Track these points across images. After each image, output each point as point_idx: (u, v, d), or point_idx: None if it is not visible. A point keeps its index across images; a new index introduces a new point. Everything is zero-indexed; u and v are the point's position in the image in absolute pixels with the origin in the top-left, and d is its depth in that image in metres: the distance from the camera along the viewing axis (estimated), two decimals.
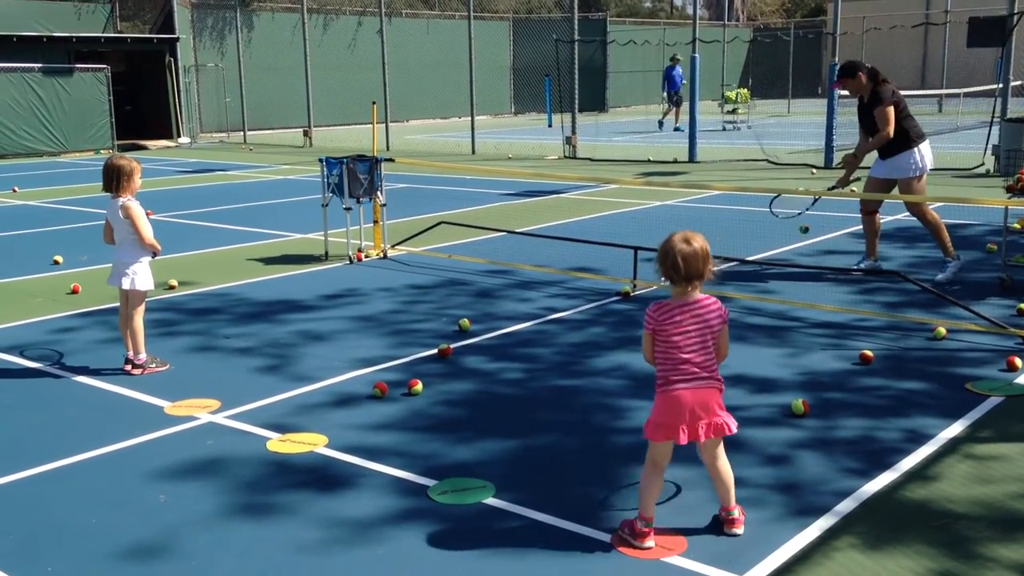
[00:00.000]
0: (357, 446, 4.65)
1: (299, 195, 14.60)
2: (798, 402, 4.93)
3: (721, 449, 3.70)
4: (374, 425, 4.94)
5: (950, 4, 28.58)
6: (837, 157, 15.60)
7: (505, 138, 24.83)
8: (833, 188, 8.24)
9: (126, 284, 5.86)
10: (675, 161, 17.89)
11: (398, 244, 9.71)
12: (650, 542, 3.58)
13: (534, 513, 3.90)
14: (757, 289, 7.72)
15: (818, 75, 39.90)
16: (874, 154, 8.01)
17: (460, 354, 6.14)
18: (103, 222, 6.05)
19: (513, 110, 38.30)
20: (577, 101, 19.74)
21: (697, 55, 17.87)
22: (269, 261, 9.45)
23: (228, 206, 13.70)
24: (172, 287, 8.19)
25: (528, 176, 15.19)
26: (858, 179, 8.62)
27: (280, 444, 4.70)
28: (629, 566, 3.50)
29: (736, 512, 3.70)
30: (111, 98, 23.89)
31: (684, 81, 26.52)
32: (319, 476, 4.33)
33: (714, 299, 3.64)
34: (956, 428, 4.71)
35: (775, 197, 8.98)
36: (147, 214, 6.06)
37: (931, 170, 7.92)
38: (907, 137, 7.68)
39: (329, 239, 9.65)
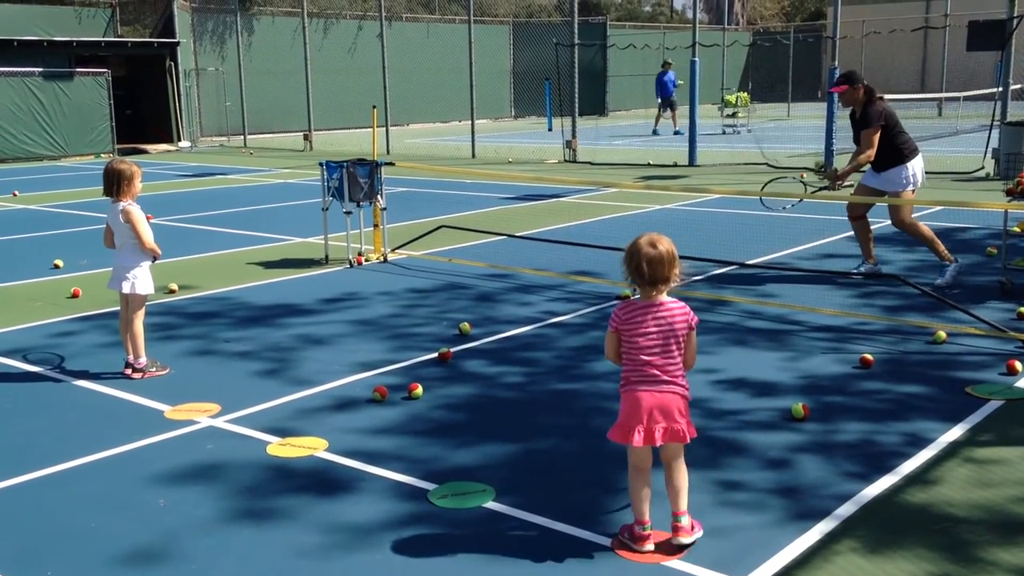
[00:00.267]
0: (357, 450, 4.65)
1: (299, 199, 14.61)
2: (798, 406, 4.93)
3: (681, 455, 3.64)
4: (374, 429, 4.93)
5: (950, 8, 28.59)
6: (837, 160, 15.60)
7: (505, 142, 24.85)
8: (822, 189, 8.32)
9: (126, 288, 5.86)
10: (675, 165, 17.90)
11: (398, 248, 9.71)
12: (649, 545, 3.57)
13: (534, 517, 3.90)
14: (757, 293, 7.72)
15: (818, 79, 39.94)
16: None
17: (460, 358, 6.14)
18: (103, 226, 6.06)
19: (513, 114, 38.33)
20: (577, 105, 19.75)
21: (697, 59, 17.88)
22: (269, 265, 9.45)
23: (228, 210, 13.70)
24: (172, 291, 8.20)
25: (528, 180, 15.20)
26: (850, 185, 8.64)
27: (280, 448, 4.70)
28: (629, 570, 3.49)
29: (684, 520, 3.59)
30: (111, 102, 23.91)
31: (678, 84, 26.62)
32: (319, 480, 4.33)
33: (681, 304, 3.61)
34: (956, 432, 4.71)
35: (767, 183, 8.98)
36: (147, 218, 6.06)
37: (932, 174, 7.94)
38: (900, 153, 7.72)
39: (329, 243, 9.65)
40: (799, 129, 24.96)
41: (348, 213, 9.24)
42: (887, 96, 8.08)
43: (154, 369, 5.93)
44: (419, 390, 5.40)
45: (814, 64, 41.16)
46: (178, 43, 26.31)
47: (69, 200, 15.10)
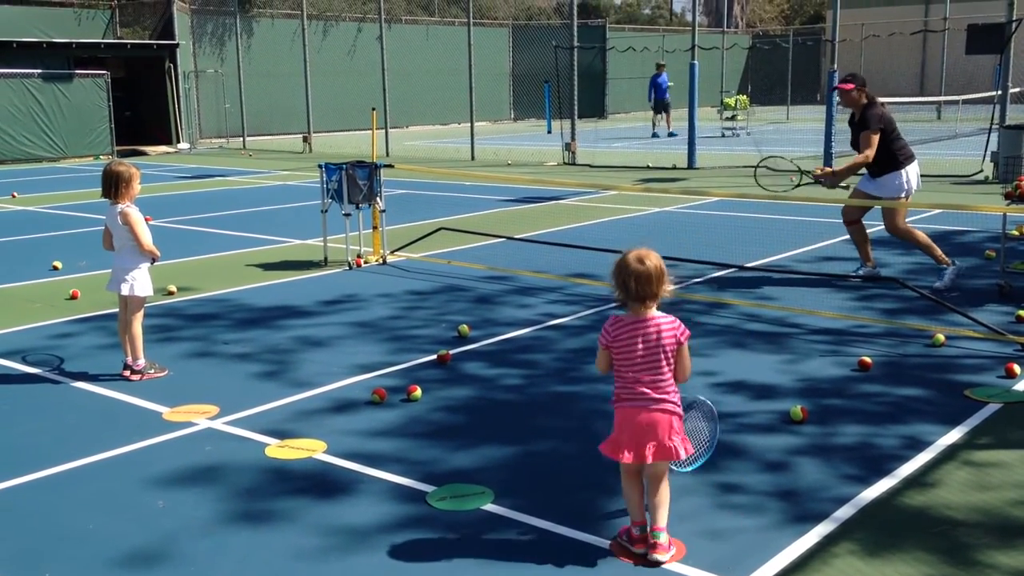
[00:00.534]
0: (356, 452, 4.65)
1: (298, 201, 14.61)
2: (797, 408, 4.93)
3: (666, 473, 3.62)
4: (373, 431, 4.93)
5: (949, 11, 28.63)
6: (835, 164, 15.60)
7: (504, 144, 24.86)
8: (817, 182, 8.34)
9: (125, 290, 5.86)
10: (674, 167, 17.91)
11: (397, 250, 9.71)
12: (645, 548, 3.56)
13: (533, 519, 3.90)
14: (756, 295, 7.73)
15: (817, 82, 39.98)
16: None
17: (459, 360, 6.14)
18: (102, 228, 6.06)
19: (512, 116, 38.35)
20: (576, 107, 19.77)
21: (696, 62, 17.89)
22: (268, 267, 9.45)
23: (227, 212, 13.70)
24: (171, 293, 8.19)
25: (527, 182, 15.20)
26: (845, 187, 8.66)
27: (278, 450, 4.70)
28: (627, 572, 3.49)
29: (662, 538, 3.52)
30: (111, 104, 23.91)
31: (670, 85, 26.71)
32: (317, 482, 4.33)
33: (671, 319, 3.57)
34: (955, 435, 4.71)
35: (761, 162, 8.97)
36: (146, 220, 6.06)
37: (930, 177, 7.96)
38: (895, 159, 7.73)
39: (328, 245, 9.65)
40: (798, 132, 24.97)
41: (347, 215, 9.24)
42: (886, 99, 8.10)
43: (153, 371, 5.93)
44: (418, 392, 5.40)
45: (813, 67, 41.21)
46: (177, 45, 26.32)
47: (68, 202, 15.10)
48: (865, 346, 6.25)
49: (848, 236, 8.39)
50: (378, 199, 9.39)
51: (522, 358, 6.18)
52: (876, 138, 7.65)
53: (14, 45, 23.11)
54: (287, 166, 20.69)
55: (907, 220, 7.93)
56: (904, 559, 3.52)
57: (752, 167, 15.54)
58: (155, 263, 6.04)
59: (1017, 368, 5.58)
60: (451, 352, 6.20)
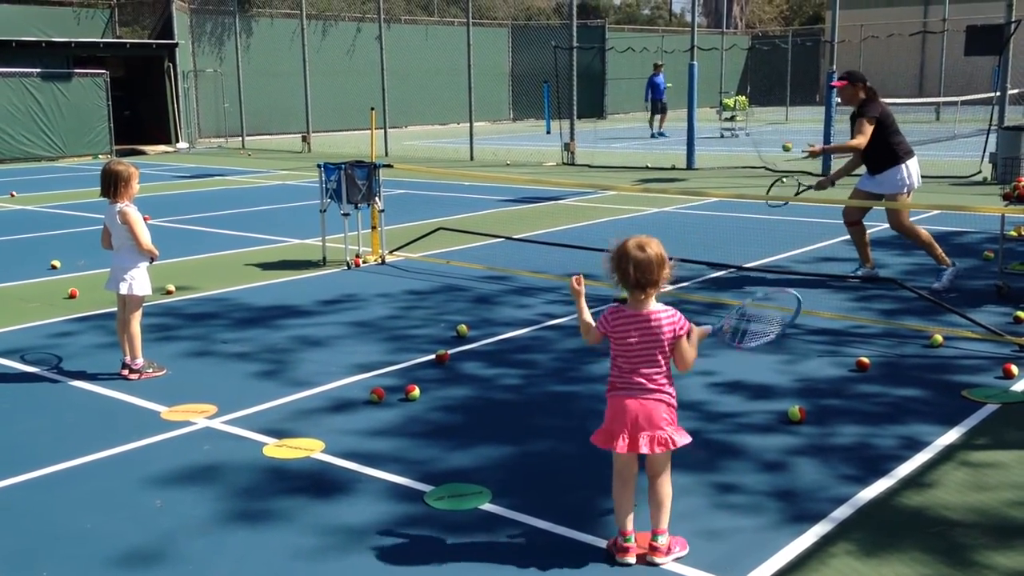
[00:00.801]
0: (354, 452, 4.65)
1: (297, 200, 14.61)
2: (795, 409, 4.94)
3: (666, 468, 3.59)
4: (371, 431, 4.94)
5: (948, 12, 28.65)
6: (834, 165, 15.62)
7: (503, 144, 24.86)
8: (815, 186, 8.39)
9: (124, 289, 5.86)
10: (673, 168, 17.92)
11: (396, 250, 9.71)
12: (630, 558, 3.53)
13: (530, 519, 3.90)
14: (754, 296, 7.71)
15: (816, 83, 40.00)
16: (863, 166, 8.06)
17: (457, 360, 6.14)
18: (101, 227, 6.06)
19: (511, 116, 38.35)
20: (575, 108, 19.77)
21: (695, 62, 17.90)
22: (267, 266, 9.45)
23: (226, 211, 13.70)
24: (170, 292, 8.19)
25: (526, 182, 15.21)
26: (845, 186, 8.67)
27: (276, 449, 4.70)
28: (626, 572, 3.49)
29: (663, 540, 3.51)
30: (110, 103, 23.91)
31: (667, 85, 26.78)
32: (315, 482, 4.33)
33: (671, 312, 3.54)
34: (952, 435, 4.72)
35: (772, 185, 9.03)
36: (145, 219, 6.06)
37: (929, 178, 7.97)
38: (894, 153, 7.73)
39: (327, 245, 9.65)
40: (797, 133, 24.97)
41: (346, 215, 9.24)
42: (884, 100, 8.10)
43: (151, 370, 5.93)
44: (416, 392, 5.40)
45: (812, 68, 41.23)
46: (176, 44, 26.32)
47: (67, 201, 15.09)
48: (863, 346, 6.25)
49: (847, 237, 8.39)
50: (377, 199, 9.39)
51: (520, 358, 6.18)
52: (870, 127, 7.63)
53: (13, 44, 23.11)
54: (286, 166, 20.69)
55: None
56: (901, 559, 3.53)
57: (750, 167, 15.56)
58: (154, 262, 6.04)
59: (1015, 369, 5.58)
60: (449, 352, 6.20)
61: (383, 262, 9.42)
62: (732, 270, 8.46)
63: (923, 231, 7.84)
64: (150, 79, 26.41)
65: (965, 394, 5.30)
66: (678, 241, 10.03)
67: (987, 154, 15.10)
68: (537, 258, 9.28)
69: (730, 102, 27.76)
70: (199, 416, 5.19)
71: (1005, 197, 7.63)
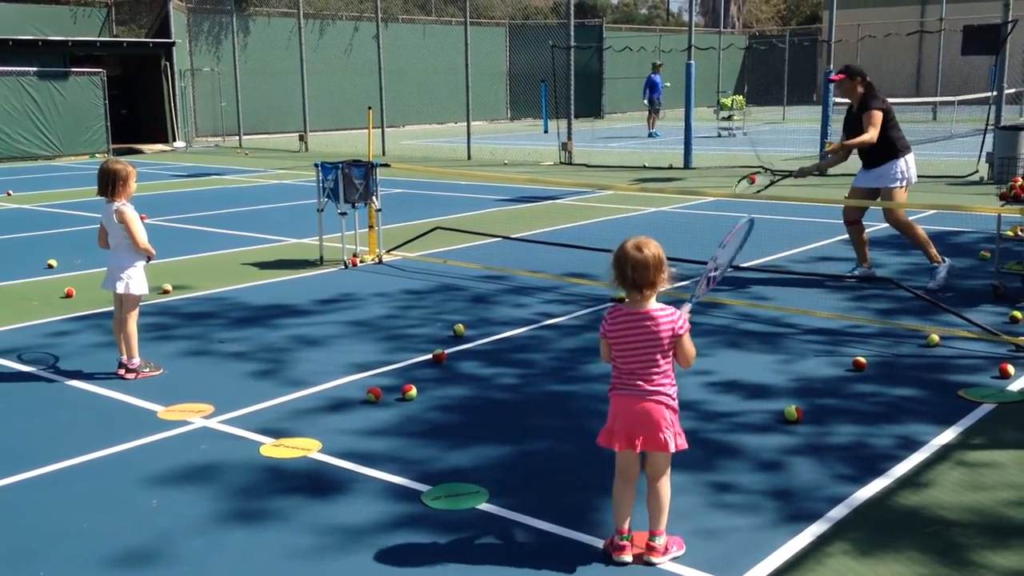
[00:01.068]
0: (351, 451, 4.65)
1: (294, 200, 14.60)
2: (791, 408, 4.94)
3: (666, 470, 3.59)
4: (368, 430, 4.94)
5: (945, 12, 28.67)
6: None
7: (501, 144, 24.86)
8: (795, 173, 8.43)
9: (120, 288, 5.86)
10: (670, 167, 17.92)
11: (393, 249, 9.71)
12: (627, 556, 3.54)
13: (528, 519, 3.90)
14: (751, 296, 7.74)
15: (813, 82, 40.02)
16: (858, 164, 8.07)
17: (454, 359, 6.14)
18: (98, 226, 6.05)
19: (509, 116, 38.35)
20: (573, 107, 19.78)
21: (693, 62, 17.91)
22: (264, 266, 9.44)
23: (223, 210, 13.69)
24: (166, 291, 8.18)
25: (523, 182, 15.21)
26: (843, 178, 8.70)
27: (274, 449, 4.70)
28: (623, 572, 3.50)
29: (660, 541, 3.52)
30: (107, 102, 23.88)
31: (666, 85, 26.85)
32: (312, 481, 4.33)
33: (669, 311, 3.53)
34: (949, 435, 4.73)
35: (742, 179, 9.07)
36: (141, 218, 6.06)
37: (925, 177, 7.98)
38: (893, 147, 7.74)
39: (324, 244, 9.64)
40: (794, 132, 25.01)
41: (343, 214, 9.24)
42: None
43: (148, 369, 5.93)
44: (413, 391, 5.40)
45: (809, 67, 41.25)
46: (174, 43, 26.29)
47: (63, 200, 15.07)
48: (860, 346, 6.26)
49: (843, 237, 8.41)
50: (374, 198, 9.39)
51: (518, 357, 6.18)
52: (880, 117, 7.64)
53: (10, 43, 23.08)
54: (283, 165, 20.68)
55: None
56: (898, 559, 3.53)
57: (748, 166, 15.54)
58: (150, 261, 6.04)
59: (1011, 368, 5.59)
60: (447, 351, 6.20)
61: (380, 261, 9.42)
62: (729, 270, 8.45)
63: (919, 229, 7.85)
64: (147, 78, 26.38)
65: (961, 394, 5.30)
66: (675, 241, 10.03)
67: (984, 154, 15.12)
68: (534, 258, 9.28)
69: (727, 101, 27.78)
70: (196, 416, 5.18)
71: (1002, 197, 7.64)
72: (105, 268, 6.01)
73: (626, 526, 3.57)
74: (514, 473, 4.39)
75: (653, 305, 3.53)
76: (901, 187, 7.78)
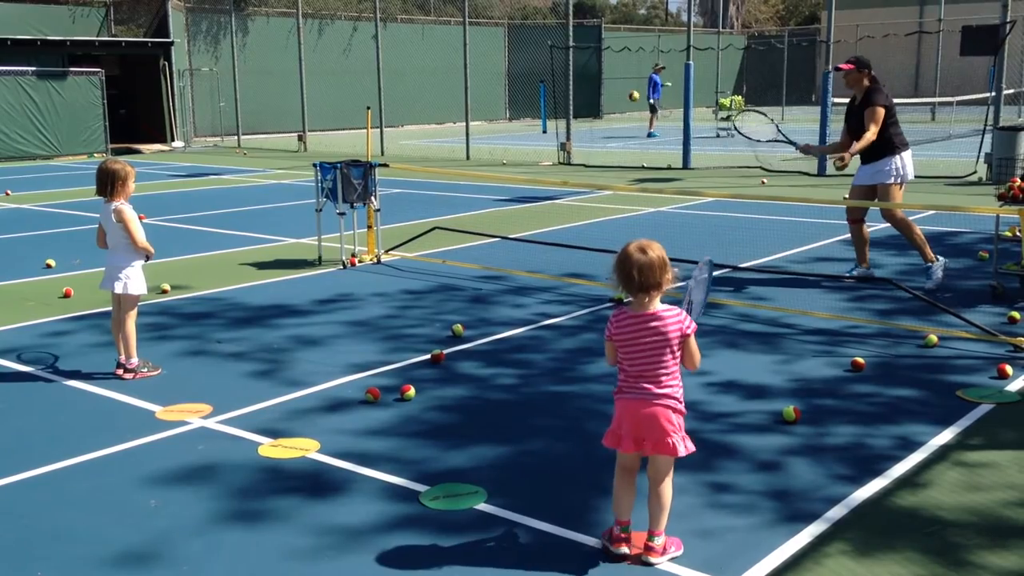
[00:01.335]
0: (349, 451, 4.64)
1: (293, 200, 14.60)
2: (789, 409, 4.94)
3: (669, 472, 3.60)
4: (366, 430, 4.93)
5: (943, 13, 28.69)
6: (830, 165, 15.64)
7: (500, 144, 24.86)
8: (800, 147, 8.50)
9: (118, 288, 5.86)
10: (669, 168, 17.93)
11: (392, 249, 9.71)
12: (624, 549, 3.55)
13: (526, 519, 3.90)
14: (750, 296, 7.74)
15: (812, 82, 40.04)
16: (856, 161, 8.08)
17: (453, 359, 6.14)
18: (96, 226, 6.04)
19: (508, 116, 38.35)
20: (572, 107, 19.78)
21: (691, 62, 17.91)
22: (262, 266, 9.44)
23: (222, 210, 13.69)
24: (165, 291, 8.18)
25: (522, 182, 15.20)
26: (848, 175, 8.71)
27: (272, 449, 4.69)
28: (621, 571, 3.50)
29: (659, 541, 3.52)
30: (105, 102, 23.87)
31: (666, 85, 26.91)
32: (311, 481, 4.32)
33: (676, 311, 3.54)
34: (947, 435, 4.73)
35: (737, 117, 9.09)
36: (140, 218, 6.05)
37: (923, 177, 7.99)
38: (891, 144, 7.77)
39: (323, 244, 9.64)
40: (793, 132, 24.99)
41: (342, 214, 9.23)
42: None
43: (146, 370, 5.92)
44: (411, 391, 5.40)
45: (808, 68, 41.28)
46: (172, 43, 26.27)
47: (62, 200, 15.06)
48: (858, 346, 6.26)
49: (842, 237, 8.41)
50: (373, 198, 9.39)
51: (516, 358, 6.18)
52: (882, 113, 7.65)
53: (8, 43, 23.07)
54: (282, 165, 20.67)
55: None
56: (896, 559, 3.53)
57: (746, 166, 15.55)
58: (148, 261, 6.04)
59: (1009, 369, 5.60)
60: (445, 352, 6.20)
61: (379, 261, 9.42)
62: (727, 270, 8.47)
63: (917, 228, 7.85)
64: (146, 78, 26.37)
65: (960, 394, 5.31)
66: (674, 241, 10.04)
67: (982, 154, 15.13)
68: (533, 258, 9.28)
69: (726, 102, 27.79)
70: (194, 416, 5.18)
71: (1000, 197, 7.64)
72: (103, 268, 6.00)
73: (627, 518, 3.58)
74: (512, 473, 4.39)
75: (659, 306, 3.53)
76: (896, 183, 7.80)
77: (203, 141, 28.15)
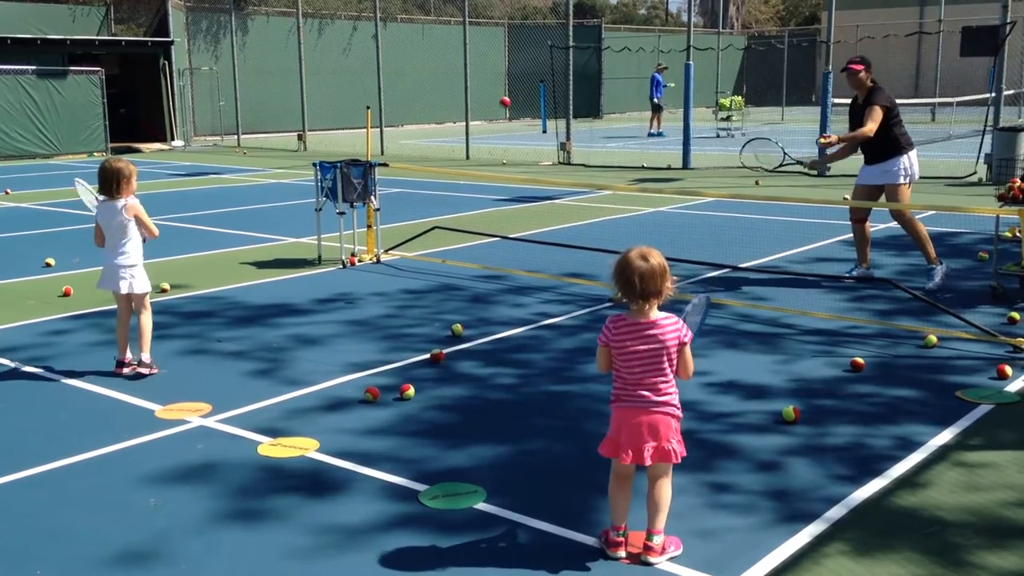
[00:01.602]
0: (348, 451, 4.64)
1: (293, 199, 14.60)
2: (789, 409, 4.94)
3: (669, 473, 3.60)
4: (365, 430, 4.93)
5: (943, 13, 28.69)
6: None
7: (499, 144, 24.86)
8: (808, 164, 8.55)
9: (124, 288, 5.85)
10: (669, 168, 17.93)
11: (391, 249, 9.71)
12: (621, 552, 3.55)
13: (525, 518, 3.90)
14: (750, 296, 7.74)
15: (812, 83, 40.05)
16: (861, 161, 8.09)
17: (452, 359, 6.14)
18: (93, 225, 6.03)
19: (508, 116, 38.33)
20: (572, 107, 19.78)
21: (691, 62, 17.91)
22: (262, 265, 9.44)
23: (221, 210, 13.68)
24: (164, 290, 8.18)
25: (522, 182, 15.21)
26: (828, 168, 8.74)
27: (271, 448, 4.69)
28: (620, 571, 3.50)
29: (657, 540, 3.52)
30: (105, 101, 23.86)
31: (668, 85, 26.95)
32: (310, 481, 4.32)
33: (674, 320, 3.54)
34: (946, 436, 4.73)
35: (749, 141, 9.09)
36: None
37: (923, 178, 8.00)
38: (897, 144, 7.77)
39: (322, 243, 9.64)
40: (793, 133, 24.97)
41: (341, 214, 9.23)
42: None
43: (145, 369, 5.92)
44: (411, 391, 5.40)
45: (808, 68, 41.28)
46: (172, 42, 26.27)
47: (61, 199, 15.06)
48: (858, 347, 6.26)
49: (842, 237, 8.41)
50: (372, 197, 9.39)
51: (516, 357, 6.18)
52: (881, 113, 7.66)
53: (8, 41, 23.06)
54: (281, 164, 20.67)
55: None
56: (895, 559, 3.53)
57: (746, 167, 15.57)
58: (145, 242, 6.05)
59: (1009, 369, 5.60)
60: (444, 351, 6.20)
61: (378, 261, 9.42)
62: (727, 270, 8.47)
63: (922, 227, 7.84)
64: (146, 77, 26.37)
65: (959, 395, 5.31)
66: (673, 241, 10.04)
67: (982, 155, 15.13)
68: (533, 257, 9.28)
69: (726, 102, 27.79)
70: (194, 415, 5.18)
71: (1000, 198, 7.65)
72: (101, 267, 5.99)
73: (623, 523, 3.58)
74: (512, 473, 4.39)
75: (657, 314, 3.53)
76: (905, 183, 7.81)
77: (203, 140, 28.15)
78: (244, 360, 6.20)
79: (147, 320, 5.92)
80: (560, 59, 19.65)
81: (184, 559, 3.63)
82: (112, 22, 28.72)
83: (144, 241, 5.99)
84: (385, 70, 23.05)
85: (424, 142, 25.76)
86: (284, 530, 3.85)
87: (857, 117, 7.92)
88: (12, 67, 22.60)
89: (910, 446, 4.59)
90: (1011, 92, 19.00)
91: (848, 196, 9.06)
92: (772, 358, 6.06)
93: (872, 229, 8.37)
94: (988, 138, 14.91)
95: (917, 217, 8.00)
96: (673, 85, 27.90)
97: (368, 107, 11.13)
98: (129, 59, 27.00)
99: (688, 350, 3.56)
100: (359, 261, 9.36)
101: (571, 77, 19.65)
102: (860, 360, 5.80)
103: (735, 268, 8.47)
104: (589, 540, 3.71)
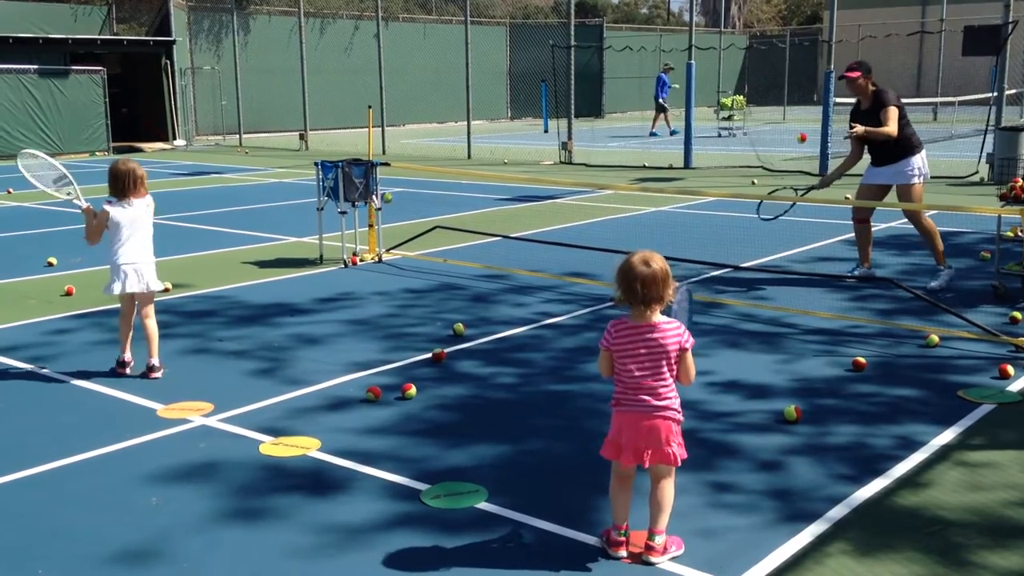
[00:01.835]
0: (350, 450, 4.65)
1: (294, 198, 14.60)
2: (791, 408, 4.94)
3: (671, 473, 3.60)
4: (367, 429, 4.94)
5: (945, 13, 28.66)
6: (831, 165, 15.63)
7: (501, 143, 24.86)
8: (814, 188, 8.49)
9: (139, 287, 5.84)
10: (670, 167, 17.92)
11: (393, 248, 9.71)
12: (623, 552, 3.56)
13: (526, 518, 3.90)
14: (751, 296, 7.74)
15: (814, 82, 40.01)
16: (865, 160, 8.08)
17: (454, 358, 6.14)
18: (91, 223, 6.01)
19: (509, 115, 38.34)
20: (573, 106, 19.78)
21: (693, 62, 17.91)
22: (264, 264, 9.44)
23: (223, 209, 13.69)
24: (167, 289, 8.18)
25: (523, 181, 15.21)
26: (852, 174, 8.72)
27: (273, 448, 4.70)
28: (621, 571, 3.50)
29: (658, 540, 3.52)
30: (107, 100, 23.88)
31: (673, 86, 26.96)
32: (312, 480, 4.33)
33: (676, 324, 3.54)
34: (948, 435, 4.73)
35: (760, 204, 9.05)
36: None
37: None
38: (910, 143, 7.78)
39: (324, 243, 9.64)
40: (794, 132, 24.97)
41: (343, 213, 9.23)
42: None
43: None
44: (412, 390, 5.40)
45: (810, 68, 41.24)
46: (174, 41, 26.28)
47: (63, 198, 15.04)
48: (859, 346, 6.26)
49: (844, 237, 8.40)
50: (374, 197, 9.39)
51: (517, 357, 6.18)
52: (897, 113, 7.66)
53: (10, 41, 23.07)
54: (283, 163, 20.67)
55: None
56: (897, 559, 3.53)
57: (748, 166, 15.56)
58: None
59: (1011, 369, 5.59)
60: (446, 350, 6.20)
61: (380, 260, 9.42)
62: (729, 269, 8.46)
63: (933, 225, 7.82)
64: (147, 76, 26.37)
65: (961, 394, 5.30)
66: (675, 241, 10.04)
67: (984, 154, 15.12)
68: (534, 257, 9.28)
69: (728, 101, 27.78)
70: (195, 414, 5.18)
71: (1002, 197, 7.64)
72: (104, 266, 6.00)
73: (624, 522, 3.58)
74: (513, 472, 4.39)
75: (658, 318, 3.53)
76: (919, 183, 7.82)
77: (205, 140, 28.15)
78: (246, 359, 6.20)
79: (154, 324, 5.93)
80: (562, 58, 19.65)
81: (185, 558, 3.64)
82: (114, 21, 28.74)
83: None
84: (387, 69, 23.05)
85: (426, 141, 25.76)
86: (285, 529, 3.85)
87: (864, 122, 7.87)
88: (14, 66, 22.61)
89: (912, 446, 4.59)
90: (1013, 92, 18.99)
91: (850, 196, 9.04)
92: (774, 357, 6.06)
93: (876, 229, 8.35)
94: (990, 138, 14.89)
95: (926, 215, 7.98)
96: (677, 86, 27.90)
97: (370, 106, 11.13)
98: (131, 58, 27.02)
99: (690, 356, 3.56)
100: (361, 260, 9.36)
101: (573, 76, 19.65)
102: (862, 360, 5.80)
103: (737, 268, 8.47)
104: (590, 540, 3.71)
